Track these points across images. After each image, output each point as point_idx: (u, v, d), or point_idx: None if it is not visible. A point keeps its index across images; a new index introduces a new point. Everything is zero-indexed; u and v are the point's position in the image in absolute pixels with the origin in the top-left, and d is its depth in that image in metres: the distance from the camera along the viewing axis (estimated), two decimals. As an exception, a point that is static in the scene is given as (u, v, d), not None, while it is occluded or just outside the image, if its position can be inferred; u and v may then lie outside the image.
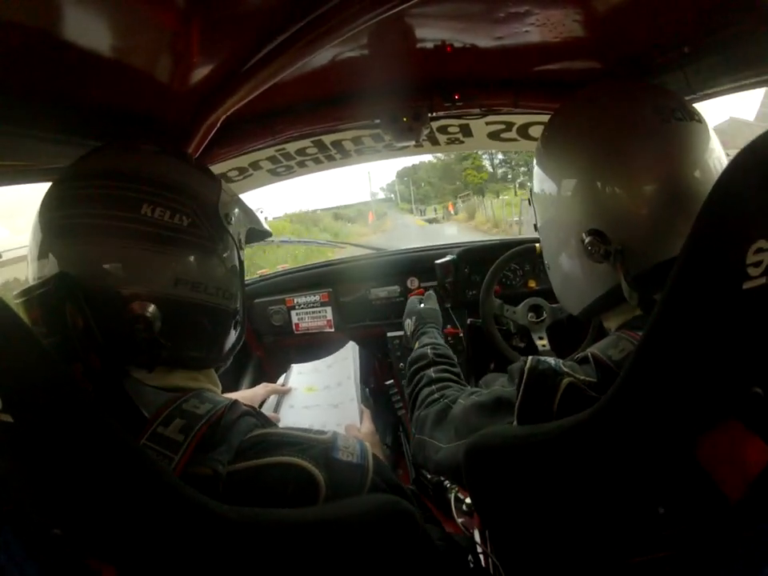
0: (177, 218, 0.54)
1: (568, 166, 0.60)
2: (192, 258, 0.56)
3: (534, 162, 0.67)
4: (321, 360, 1.12)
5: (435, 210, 30.25)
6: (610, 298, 0.58)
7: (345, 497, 0.48)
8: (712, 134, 0.56)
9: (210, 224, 0.59)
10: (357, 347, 1.09)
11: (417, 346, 0.93)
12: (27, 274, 0.55)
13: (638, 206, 0.54)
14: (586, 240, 0.56)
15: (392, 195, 45.03)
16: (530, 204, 0.71)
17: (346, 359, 1.06)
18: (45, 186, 0.58)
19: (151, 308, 0.51)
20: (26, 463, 0.40)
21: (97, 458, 0.37)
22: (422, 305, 1.08)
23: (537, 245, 1.14)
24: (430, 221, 27.75)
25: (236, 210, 0.64)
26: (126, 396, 0.47)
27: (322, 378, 1.05)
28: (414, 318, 1.03)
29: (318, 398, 1.00)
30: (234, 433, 0.49)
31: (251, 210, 0.71)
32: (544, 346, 1.19)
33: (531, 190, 0.69)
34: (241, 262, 0.65)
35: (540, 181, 0.65)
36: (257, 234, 0.73)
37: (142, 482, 0.38)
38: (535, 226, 0.69)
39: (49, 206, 0.55)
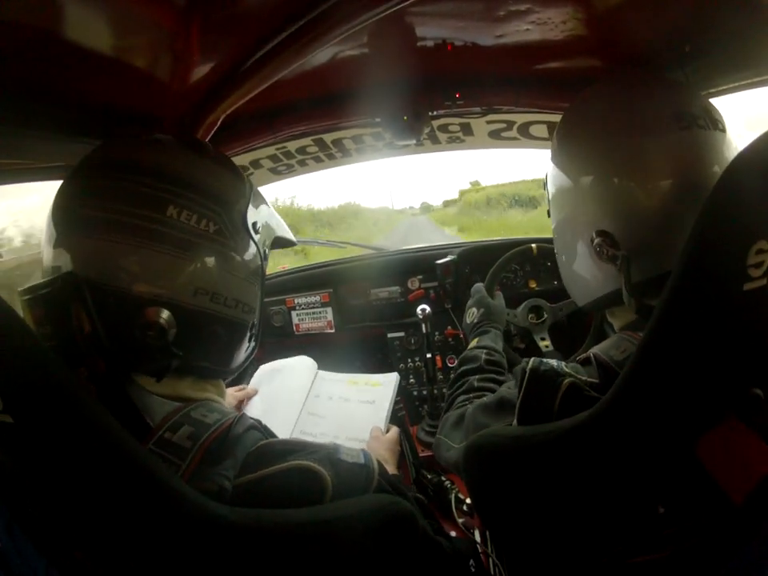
0: (203, 223, 0.51)
1: (583, 163, 0.59)
2: (215, 268, 0.53)
3: (550, 155, 0.66)
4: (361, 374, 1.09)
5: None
6: (615, 297, 0.58)
7: (351, 496, 0.48)
8: (734, 145, 0.55)
9: (237, 233, 0.56)
10: (398, 379, 1.05)
11: (475, 342, 0.91)
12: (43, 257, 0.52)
13: (650, 212, 0.53)
14: (595, 240, 0.56)
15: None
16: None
17: (387, 387, 1.02)
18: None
19: (166, 314, 0.48)
20: (26, 465, 0.39)
21: (97, 460, 0.37)
22: (492, 299, 1.03)
23: (534, 245, 1.14)
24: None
25: (264, 219, 0.62)
26: (130, 403, 0.46)
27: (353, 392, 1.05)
28: (481, 309, 0.99)
29: (352, 393, 1.02)
30: (240, 447, 0.47)
31: (278, 218, 0.69)
32: (547, 347, 1.18)
33: (546, 184, 0.68)
34: (263, 274, 0.62)
35: (555, 175, 0.64)
36: (281, 242, 0.71)
37: (145, 485, 0.38)
38: (548, 212, 0.69)
39: (65, 194, 0.52)
